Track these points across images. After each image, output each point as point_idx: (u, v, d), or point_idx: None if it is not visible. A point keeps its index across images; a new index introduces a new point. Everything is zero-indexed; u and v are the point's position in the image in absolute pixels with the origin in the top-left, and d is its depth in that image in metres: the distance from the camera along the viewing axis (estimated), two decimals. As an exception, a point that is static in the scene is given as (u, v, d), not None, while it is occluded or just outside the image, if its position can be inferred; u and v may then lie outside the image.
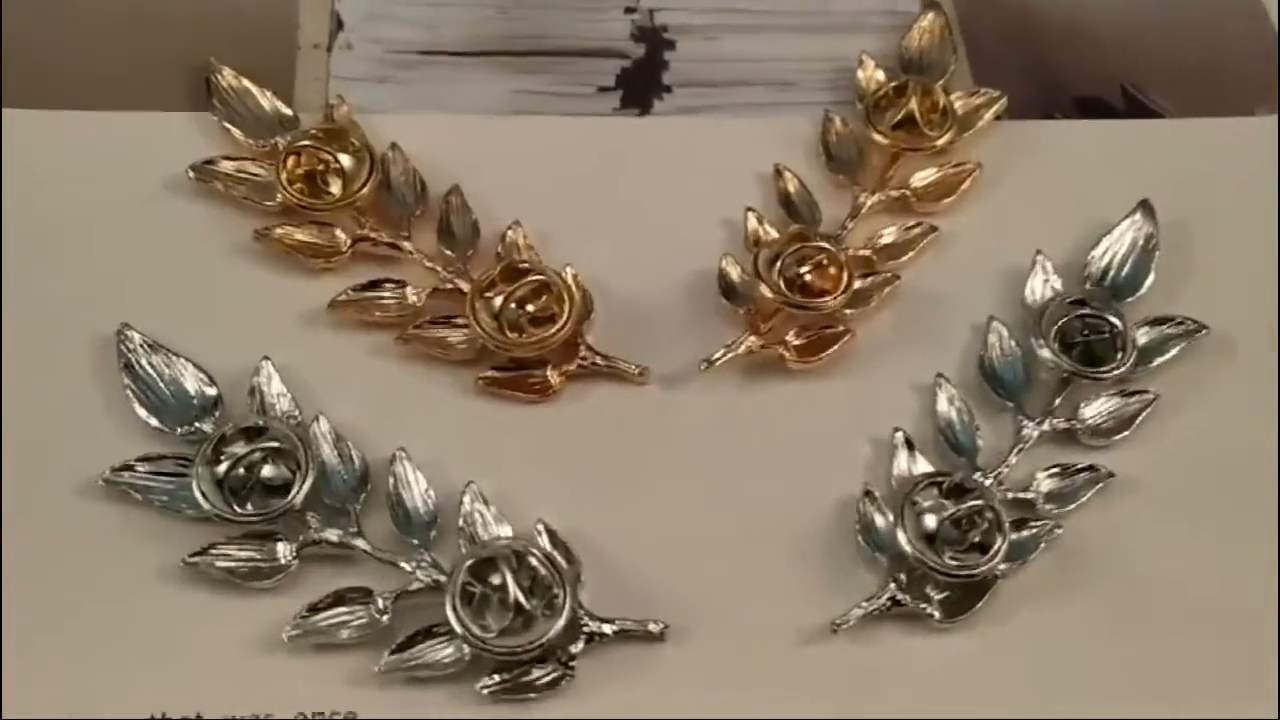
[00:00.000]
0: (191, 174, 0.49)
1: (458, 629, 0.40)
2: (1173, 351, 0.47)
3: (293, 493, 0.42)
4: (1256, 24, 0.55)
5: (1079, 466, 0.45)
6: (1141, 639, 0.42)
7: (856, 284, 0.47)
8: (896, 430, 0.45)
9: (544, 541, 0.42)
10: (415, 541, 0.43)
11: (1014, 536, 0.42)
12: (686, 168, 0.51)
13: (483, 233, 0.48)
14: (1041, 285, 0.48)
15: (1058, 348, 0.46)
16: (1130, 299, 0.48)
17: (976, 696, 0.41)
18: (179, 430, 0.44)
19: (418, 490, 0.43)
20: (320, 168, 0.49)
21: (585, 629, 0.41)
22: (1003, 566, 0.42)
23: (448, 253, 0.48)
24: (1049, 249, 0.49)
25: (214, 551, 0.42)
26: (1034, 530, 0.43)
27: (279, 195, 0.48)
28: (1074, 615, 0.43)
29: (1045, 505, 0.44)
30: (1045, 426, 0.46)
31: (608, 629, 0.41)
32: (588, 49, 0.54)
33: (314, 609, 0.41)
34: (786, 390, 0.46)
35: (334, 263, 0.48)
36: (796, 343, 0.47)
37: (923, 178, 0.50)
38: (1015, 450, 0.45)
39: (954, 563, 0.42)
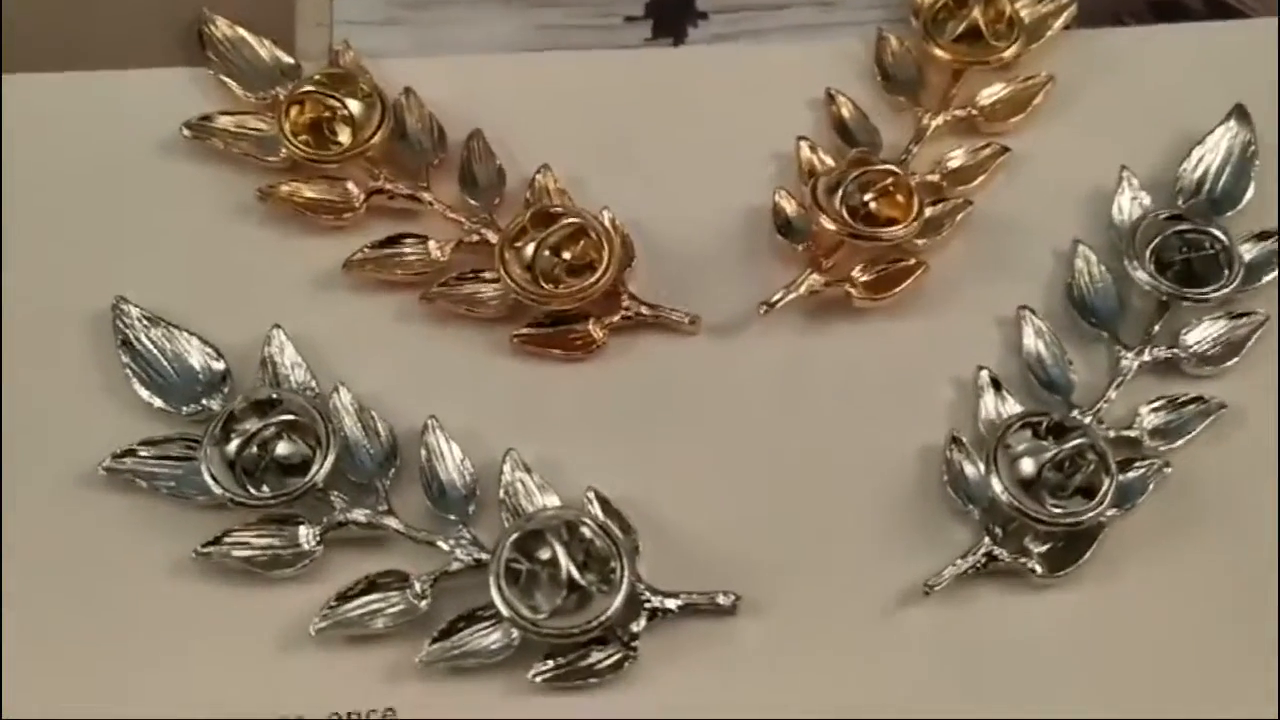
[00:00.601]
0: (187, 132, 0.47)
1: (504, 611, 0.39)
2: (1283, 267, 0.45)
3: (313, 470, 0.41)
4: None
5: (1186, 398, 0.43)
6: (1266, 589, 0.41)
7: (927, 211, 0.45)
8: (981, 369, 0.43)
9: (596, 510, 0.41)
10: (452, 517, 0.41)
11: (1120, 478, 0.41)
12: (728, 100, 0.49)
13: (509, 179, 0.47)
14: (1129, 203, 0.46)
15: (1154, 268, 0.44)
16: (1230, 213, 0.46)
17: (1086, 660, 0.40)
18: (185, 410, 0.43)
19: (453, 461, 0.42)
20: (327, 115, 0.47)
21: (647, 605, 0.40)
22: (1110, 512, 0.40)
23: (472, 202, 0.46)
24: (1132, 165, 0.47)
25: (229, 540, 0.41)
26: (1141, 470, 0.42)
27: (283, 149, 0.47)
28: (1190, 564, 0.41)
29: (1151, 442, 0.42)
30: (1145, 356, 0.44)
31: (671, 604, 0.40)
32: (612, -24, 0.53)
33: (343, 597, 0.40)
34: (855, 332, 0.45)
35: (347, 219, 0.46)
36: (864, 279, 0.45)
37: (990, 95, 0.49)
38: (1114, 384, 0.43)
39: (1058, 510, 0.40)
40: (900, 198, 0.45)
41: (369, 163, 0.46)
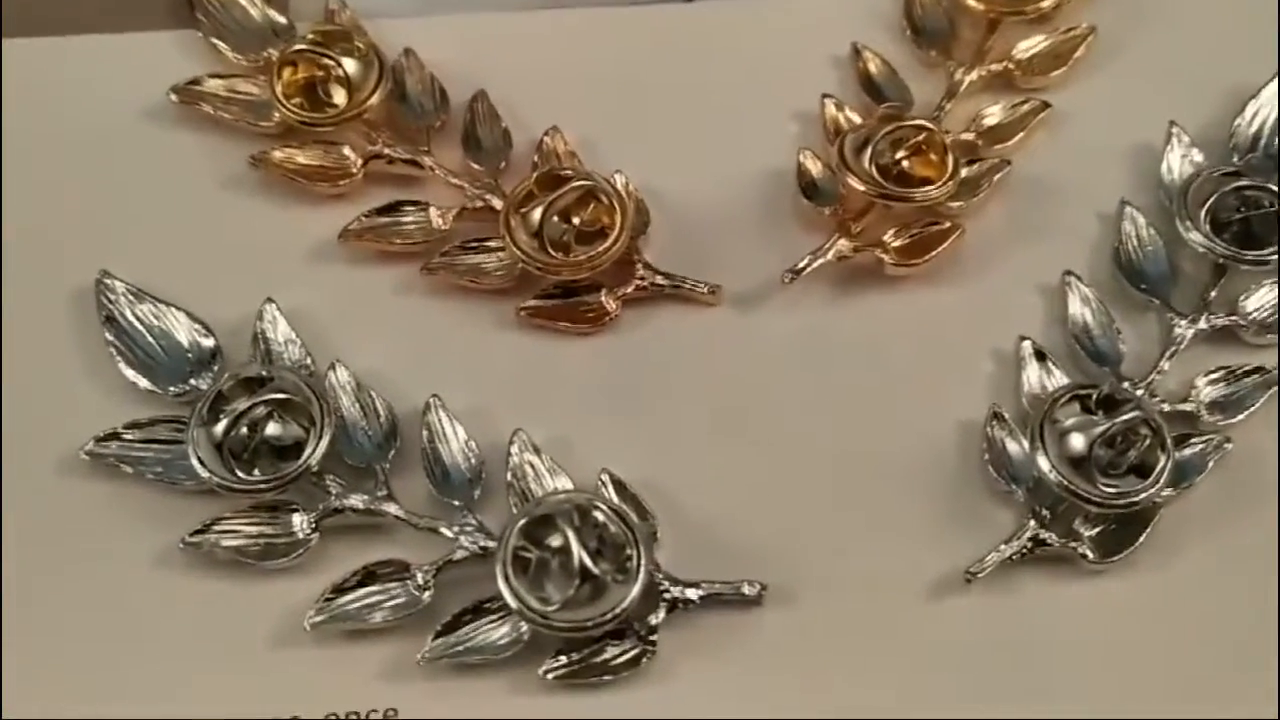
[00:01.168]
0: (174, 97, 0.46)
1: (513, 603, 0.38)
2: (1350, 226, 0.44)
3: (307, 453, 0.40)
4: None
5: (1245, 368, 0.42)
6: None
7: (963, 172, 0.44)
8: (1023, 339, 0.42)
9: (610, 493, 0.40)
10: (456, 503, 0.40)
11: (1177, 455, 0.39)
12: (747, 56, 0.48)
13: (515, 143, 0.46)
14: (1180, 160, 0.45)
15: (1209, 229, 0.43)
16: (1290, 169, 0.45)
17: (1141, 653, 0.39)
18: (171, 390, 0.41)
19: (456, 443, 0.41)
20: (321, 76, 0.46)
21: (666, 595, 0.39)
22: (1166, 492, 0.39)
23: (475, 166, 0.45)
24: (1181, 121, 0.46)
25: (218, 528, 0.40)
26: (1199, 446, 0.40)
27: (276, 113, 0.45)
28: (1252, 548, 0.40)
29: (1208, 416, 0.41)
30: (1200, 324, 0.42)
31: (692, 594, 0.39)
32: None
33: (340, 590, 0.39)
34: (887, 301, 0.44)
35: (344, 186, 0.45)
36: (896, 244, 0.43)
37: (1027, 48, 0.47)
38: (1166, 355, 0.42)
39: (1110, 489, 0.39)
40: (934, 156, 0.43)
41: (367, 126, 0.45)
